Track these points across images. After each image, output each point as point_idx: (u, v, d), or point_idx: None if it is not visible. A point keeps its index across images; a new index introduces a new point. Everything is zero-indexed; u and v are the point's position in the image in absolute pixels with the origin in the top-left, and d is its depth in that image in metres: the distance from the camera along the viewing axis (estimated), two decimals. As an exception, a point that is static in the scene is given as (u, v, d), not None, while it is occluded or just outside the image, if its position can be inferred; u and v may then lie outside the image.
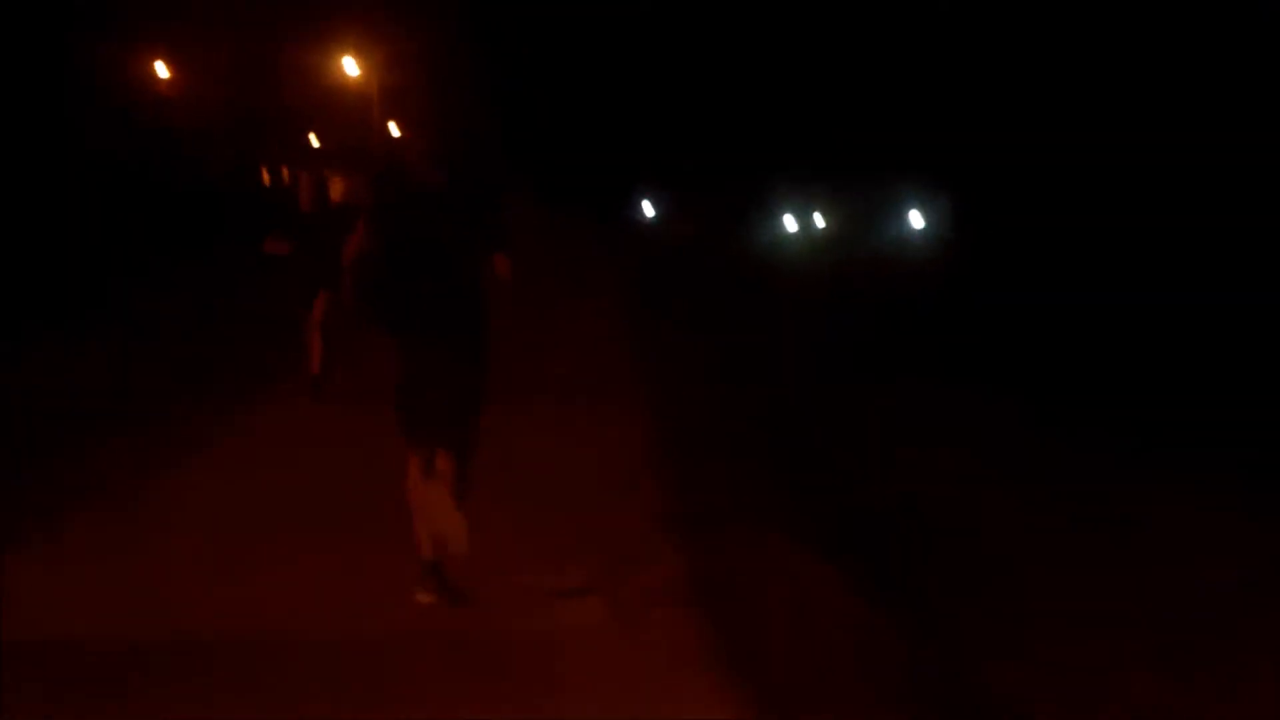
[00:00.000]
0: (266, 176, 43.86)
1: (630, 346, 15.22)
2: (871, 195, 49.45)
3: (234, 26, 35.80)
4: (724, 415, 11.03)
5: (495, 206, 6.23)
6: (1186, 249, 23.92)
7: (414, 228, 5.93)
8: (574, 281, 20.64)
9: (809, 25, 48.27)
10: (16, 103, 23.35)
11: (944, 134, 40.23)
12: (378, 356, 6.99)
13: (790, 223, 56.38)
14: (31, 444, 9.02)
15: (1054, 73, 34.94)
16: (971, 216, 39.02)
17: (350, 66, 41.57)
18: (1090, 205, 30.71)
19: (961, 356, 15.32)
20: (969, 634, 6.31)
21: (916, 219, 49.94)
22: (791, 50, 49.12)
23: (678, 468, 8.86)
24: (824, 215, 55.36)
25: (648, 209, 58.21)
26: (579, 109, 53.77)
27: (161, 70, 37.36)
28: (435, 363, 5.89)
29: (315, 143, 47.19)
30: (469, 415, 6.00)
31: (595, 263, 26.89)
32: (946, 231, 44.32)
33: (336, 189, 11.11)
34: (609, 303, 20.15)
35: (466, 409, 5.98)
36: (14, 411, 10.02)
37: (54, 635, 5.52)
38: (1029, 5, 36.26)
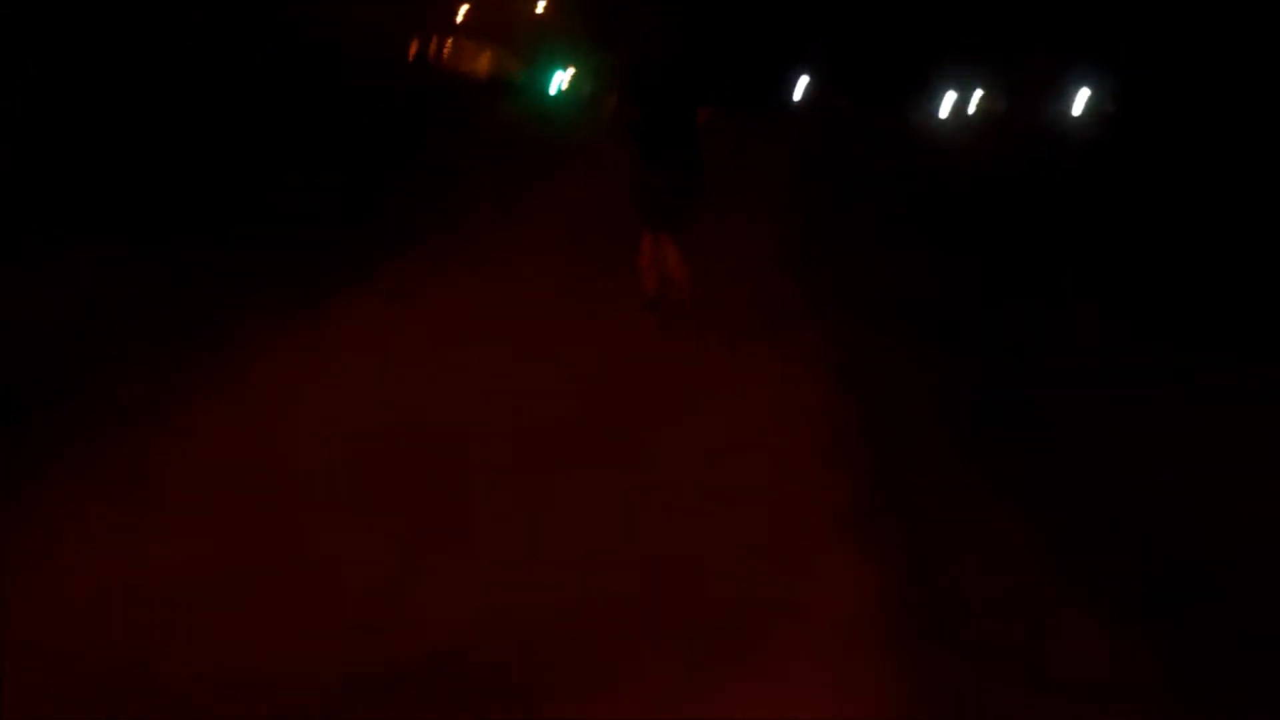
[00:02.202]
0: (414, 50, 43.83)
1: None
2: (1034, 76, 47.76)
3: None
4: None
5: (702, 74, 9.65)
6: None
7: (659, 88, 9.39)
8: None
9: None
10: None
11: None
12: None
13: (946, 103, 54.80)
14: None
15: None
16: (1139, 101, 37.34)
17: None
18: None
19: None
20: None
21: (1079, 101, 48.12)
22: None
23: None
24: (984, 95, 53.69)
25: (802, 87, 57.06)
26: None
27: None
28: (671, 172, 9.34)
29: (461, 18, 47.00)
30: (690, 206, 9.47)
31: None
32: (1107, 113, 42.59)
33: (484, 61, 11.96)
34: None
35: (689, 202, 9.44)
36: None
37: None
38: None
